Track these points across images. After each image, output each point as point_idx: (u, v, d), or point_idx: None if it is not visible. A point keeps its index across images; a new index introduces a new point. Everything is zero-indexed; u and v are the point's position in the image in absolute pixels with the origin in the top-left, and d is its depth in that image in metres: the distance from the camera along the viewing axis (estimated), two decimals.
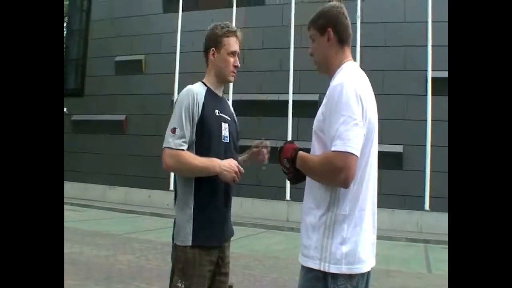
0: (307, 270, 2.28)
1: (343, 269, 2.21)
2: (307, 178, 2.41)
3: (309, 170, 2.35)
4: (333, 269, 2.21)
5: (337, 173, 2.17)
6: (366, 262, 2.29)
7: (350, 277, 2.23)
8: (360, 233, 2.27)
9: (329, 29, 2.45)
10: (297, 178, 2.47)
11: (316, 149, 2.36)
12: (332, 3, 2.52)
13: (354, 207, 2.27)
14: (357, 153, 2.17)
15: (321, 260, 2.23)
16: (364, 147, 2.25)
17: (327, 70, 2.49)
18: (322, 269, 2.22)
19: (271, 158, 2.72)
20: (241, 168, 2.88)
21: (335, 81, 2.31)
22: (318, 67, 2.56)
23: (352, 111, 2.19)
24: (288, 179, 2.53)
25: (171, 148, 2.80)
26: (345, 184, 2.20)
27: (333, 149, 2.18)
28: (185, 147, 2.81)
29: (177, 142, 2.80)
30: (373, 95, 2.42)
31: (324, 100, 2.31)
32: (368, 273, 2.35)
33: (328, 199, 2.28)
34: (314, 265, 2.25)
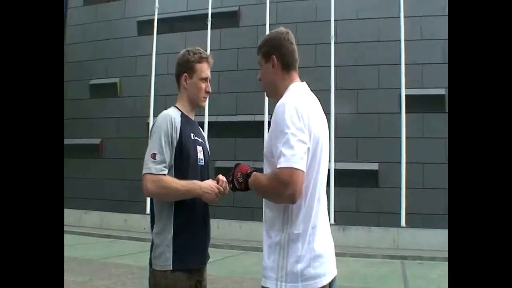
0: None
1: (300, 287, 2.26)
2: (263, 203, 2.46)
3: (259, 187, 2.39)
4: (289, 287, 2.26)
5: (283, 188, 2.21)
6: (325, 275, 2.34)
7: None
8: (315, 250, 2.31)
9: (273, 56, 2.51)
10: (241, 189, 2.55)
11: (267, 172, 2.41)
12: (278, 29, 2.58)
13: (307, 225, 2.32)
14: (302, 168, 2.22)
15: (277, 280, 2.28)
16: (311, 164, 2.31)
17: (275, 95, 2.54)
18: None
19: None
20: (221, 188, 2.89)
21: (278, 103, 2.37)
22: (266, 92, 2.64)
23: (294, 128, 2.24)
24: (231, 188, 2.61)
25: (152, 174, 2.78)
26: (292, 199, 2.24)
27: (278, 166, 2.23)
28: (166, 171, 2.81)
29: (158, 167, 2.79)
30: (321, 113, 2.48)
31: (271, 123, 2.37)
32: (330, 283, 2.39)
33: (282, 219, 2.33)
34: (271, 285, 2.29)
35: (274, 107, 2.37)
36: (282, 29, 2.57)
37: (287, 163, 2.19)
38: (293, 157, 2.19)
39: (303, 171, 2.22)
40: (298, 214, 2.31)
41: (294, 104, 2.30)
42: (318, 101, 2.52)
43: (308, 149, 2.27)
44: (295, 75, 2.55)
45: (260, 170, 2.50)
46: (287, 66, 2.52)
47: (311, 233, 2.31)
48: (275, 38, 2.54)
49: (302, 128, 2.25)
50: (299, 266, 2.26)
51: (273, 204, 2.37)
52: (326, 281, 2.34)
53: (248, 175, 2.46)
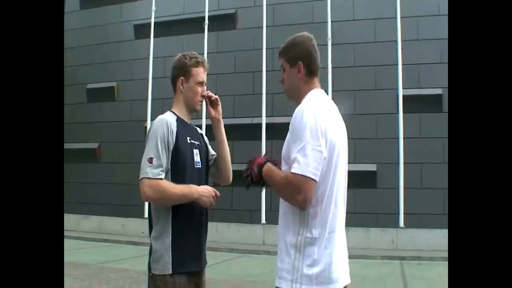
0: None
1: None
2: (280, 205, 2.47)
3: (272, 182, 2.44)
4: None
5: (295, 194, 2.26)
6: (338, 281, 2.35)
7: None
8: (331, 255, 2.34)
9: (300, 63, 2.54)
10: (255, 183, 2.55)
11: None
12: (302, 34, 2.61)
13: (324, 230, 2.34)
14: (315, 177, 2.25)
15: (292, 281, 2.30)
16: (327, 170, 2.33)
17: (297, 98, 2.58)
18: None
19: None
20: (217, 192, 2.90)
21: (297, 108, 2.41)
22: (288, 95, 2.67)
23: (310, 136, 2.28)
24: (247, 184, 2.59)
25: (150, 178, 2.78)
26: (302, 206, 2.29)
27: (292, 171, 2.26)
28: (163, 176, 2.80)
29: (155, 172, 2.78)
30: (339, 120, 2.52)
31: (289, 127, 2.39)
32: None
33: (298, 223, 2.35)
34: (286, 286, 2.31)
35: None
36: (306, 34, 2.62)
37: (299, 170, 2.23)
38: (306, 166, 2.23)
39: (314, 180, 2.25)
40: (315, 219, 2.33)
41: (313, 112, 2.34)
42: (336, 107, 2.56)
43: (324, 158, 2.30)
44: (316, 81, 2.60)
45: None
46: (311, 73, 2.57)
47: (327, 238, 2.34)
48: (302, 44, 2.58)
49: (318, 137, 2.29)
50: (315, 270, 2.29)
51: (290, 208, 2.38)
52: (339, 287, 2.36)
53: (262, 166, 2.49)
